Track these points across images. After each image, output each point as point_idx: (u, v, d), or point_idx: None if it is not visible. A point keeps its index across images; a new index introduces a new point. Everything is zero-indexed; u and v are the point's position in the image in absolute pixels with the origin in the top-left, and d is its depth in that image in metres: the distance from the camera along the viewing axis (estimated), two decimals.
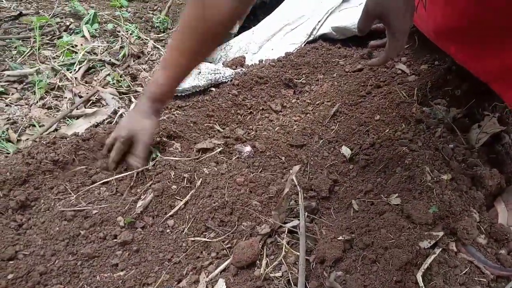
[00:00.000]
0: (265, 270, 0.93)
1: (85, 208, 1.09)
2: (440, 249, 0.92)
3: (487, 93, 1.33)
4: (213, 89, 1.55)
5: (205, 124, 1.43)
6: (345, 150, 1.25)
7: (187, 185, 1.15)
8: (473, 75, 1.34)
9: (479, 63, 1.15)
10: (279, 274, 0.93)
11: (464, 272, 0.90)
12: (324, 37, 1.81)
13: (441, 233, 0.93)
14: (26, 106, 1.57)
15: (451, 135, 1.21)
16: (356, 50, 1.67)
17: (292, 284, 0.90)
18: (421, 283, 0.83)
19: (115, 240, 1.02)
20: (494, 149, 1.22)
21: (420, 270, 0.85)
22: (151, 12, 2.33)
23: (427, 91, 1.39)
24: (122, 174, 1.18)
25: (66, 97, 1.60)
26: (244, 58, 1.77)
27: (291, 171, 1.13)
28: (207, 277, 0.94)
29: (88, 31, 1.97)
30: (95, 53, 1.85)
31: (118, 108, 1.50)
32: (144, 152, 1.19)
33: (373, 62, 1.16)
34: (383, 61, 1.11)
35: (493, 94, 1.32)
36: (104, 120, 1.47)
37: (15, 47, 1.88)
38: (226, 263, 0.97)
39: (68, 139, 1.28)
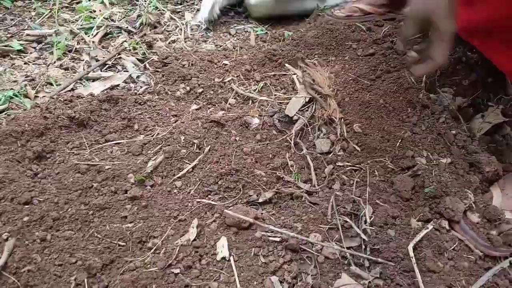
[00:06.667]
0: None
1: (98, 163, 1.14)
2: (432, 227, 0.96)
3: (493, 85, 1.36)
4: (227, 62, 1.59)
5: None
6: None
7: (196, 151, 1.20)
8: (482, 67, 1.37)
9: (505, 55, 1.16)
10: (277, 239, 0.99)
11: (452, 247, 0.94)
12: None
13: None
14: (44, 65, 1.61)
15: (454, 122, 1.24)
16: (370, 35, 1.69)
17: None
18: (411, 253, 0.88)
19: (125, 194, 1.07)
20: (495, 139, 1.26)
21: (412, 242, 0.90)
22: None
23: (435, 79, 1.42)
24: None
25: (83, 60, 1.64)
26: None
27: None
28: (210, 234, 0.99)
29: None
30: (112, 20, 1.89)
31: (136, 76, 1.53)
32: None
33: (419, 69, 0.98)
34: (432, 68, 0.96)
35: (499, 87, 1.35)
36: (119, 84, 1.51)
37: (34, 9, 1.92)
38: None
39: (84, 98, 1.32)
